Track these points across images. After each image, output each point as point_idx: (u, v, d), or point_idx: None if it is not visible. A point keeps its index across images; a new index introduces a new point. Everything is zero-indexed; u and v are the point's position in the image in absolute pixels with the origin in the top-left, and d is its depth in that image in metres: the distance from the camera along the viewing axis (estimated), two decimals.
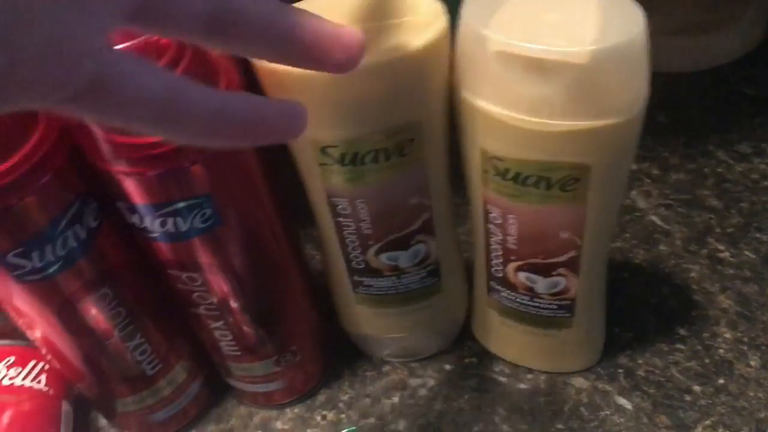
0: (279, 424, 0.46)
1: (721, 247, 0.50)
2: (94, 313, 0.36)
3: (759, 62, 0.61)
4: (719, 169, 0.55)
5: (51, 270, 0.33)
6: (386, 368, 0.48)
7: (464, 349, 0.48)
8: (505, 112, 0.31)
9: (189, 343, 0.43)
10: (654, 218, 0.53)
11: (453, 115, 0.35)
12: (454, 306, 0.45)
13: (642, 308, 0.48)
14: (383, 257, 0.39)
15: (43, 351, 0.39)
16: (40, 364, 0.44)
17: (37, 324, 0.36)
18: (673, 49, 0.58)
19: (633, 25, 0.29)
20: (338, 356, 0.48)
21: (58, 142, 0.31)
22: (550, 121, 0.31)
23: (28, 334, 0.38)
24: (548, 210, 0.35)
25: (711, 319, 0.47)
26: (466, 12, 0.31)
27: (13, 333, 0.47)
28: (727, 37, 0.60)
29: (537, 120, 0.31)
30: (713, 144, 0.57)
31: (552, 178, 0.33)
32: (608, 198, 0.34)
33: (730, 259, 0.50)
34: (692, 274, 0.49)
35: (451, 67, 0.33)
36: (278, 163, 0.36)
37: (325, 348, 0.46)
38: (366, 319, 0.44)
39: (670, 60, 0.58)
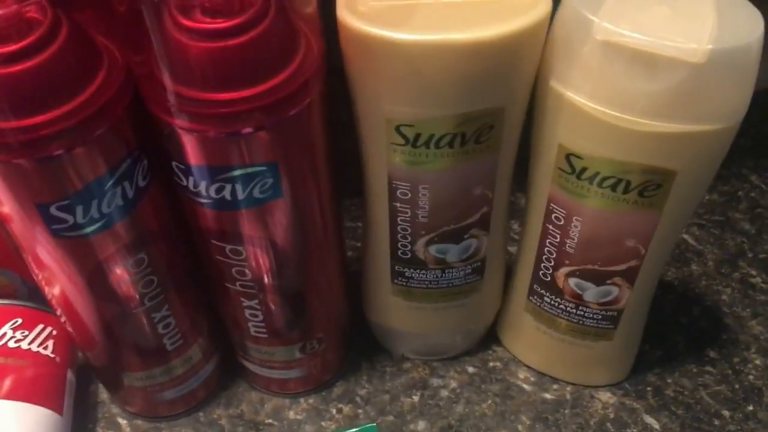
0: (292, 414, 0.44)
1: (753, 273, 0.50)
2: (126, 278, 0.34)
3: None
4: (752, 194, 0.54)
5: (92, 228, 0.31)
6: (407, 365, 0.46)
7: (489, 352, 0.47)
8: (596, 106, 0.30)
9: (208, 321, 0.41)
10: (687, 237, 0.52)
11: (531, 103, 0.33)
12: (488, 307, 0.43)
13: (672, 327, 0.47)
14: (432, 249, 0.37)
15: (58, 311, 0.37)
16: (48, 329, 0.41)
17: (59, 282, 0.34)
18: None
19: (752, 28, 0.27)
20: (357, 348, 0.46)
21: (121, 90, 0.29)
22: (646, 121, 0.29)
23: (45, 290, 0.35)
24: (619, 215, 0.33)
25: (741, 344, 0.46)
26: None
27: (18, 293, 0.44)
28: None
29: (631, 118, 0.29)
30: (747, 167, 0.56)
31: (632, 182, 0.31)
32: (685, 207, 0.33)
33: (762, 285, 0.49)
34: (723, 297, 0.48)
35: (544, 50, 0.31)
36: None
37: (347, 338, 0.44)
38: (397, 312, 0.42)
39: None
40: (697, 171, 0.31)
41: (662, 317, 0.47)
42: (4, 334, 0.40)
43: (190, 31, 0.27)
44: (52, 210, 0.29)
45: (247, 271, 0.35)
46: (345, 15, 0.29)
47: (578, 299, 0.38)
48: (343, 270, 0.40)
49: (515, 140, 0.34)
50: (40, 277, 0.34)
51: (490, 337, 0.47)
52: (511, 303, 0.43)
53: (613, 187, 0.32)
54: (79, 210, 0.30)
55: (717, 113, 0.29)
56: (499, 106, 0.31)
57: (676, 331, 0.47)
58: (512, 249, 0.46)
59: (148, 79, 0.29)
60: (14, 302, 0.42)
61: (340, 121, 0.33)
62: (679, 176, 0.31)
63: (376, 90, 0.31)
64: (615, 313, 0.39)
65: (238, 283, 0.36)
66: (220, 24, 0.27)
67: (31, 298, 0.42)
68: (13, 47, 0.26)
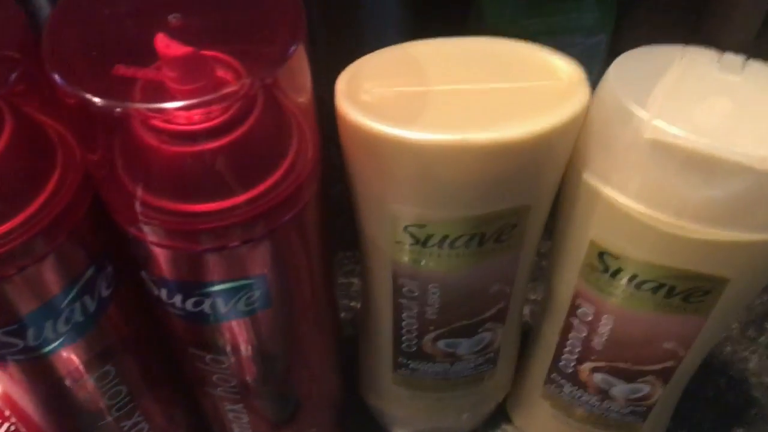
0: None
1: None
2: (91, 392, 0.29)
3: None
4: None
5: (47, 348, 0.26)
6: None
7: (496, 431, 0.42)
8: (639, 207, 0.25)
9: (188, 414, 0.36)
10: None
11: (558, 194, 0.29)
12: (499, 390, 0.39)
13: (697, 402, 0.43)
14: (441, 343, 0.33)
15: (7, 413, 0.32)
16: (5, 426, 0.36)
17: (11, 398, 0.29)
18: None
19: None
20: (354, 430, 0.42)
21: (78, 196, 0.24)
22: (698, 227, 0.25)
23: None
24: (659, 318, 0.29)
25: None
26: (612, 83, 0.25)
27: None
28: None
29: (680, 223, 0.25)
30: None
31: (677, 287, 0.27)
32: (732, 313, 0.29)
33: None
34: (750, 365, 0.45)
35: (576, 140, 0.26)
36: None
37: (342, 419, 0.40)
38: (398, 400, 0.38)
39: None
40: (750, 278, 0.27)
41: (686, 392, 0.43)
42: None
43: (162, 133, 0.22)
44: None
45: (230, 378, 0.31)
46: (346, 106, 0.24)
47: (603, 394, 0.34)
48: (339, 362, 0.36)
49: (539, 235, 0.29)
50: None
51: (500, 414, 0.43)
52: (525, 386, 0.39)
53: (654, 291, 0.28)
54: (31, 333, 0.25)
55: None
56: (525, 204, 0.26)
57: (702, 406, 0.43)
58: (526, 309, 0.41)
59: (109, 183, 0.24)
60: None
61: (330, 163, 0.28)
62: (730, 284, 0.27)
63: (381, 188, 0.26)
64: (644, 408, 0.35)
65: (219, 389, 0.32)
66: (198, 125, 0.22)
67: None
68: None
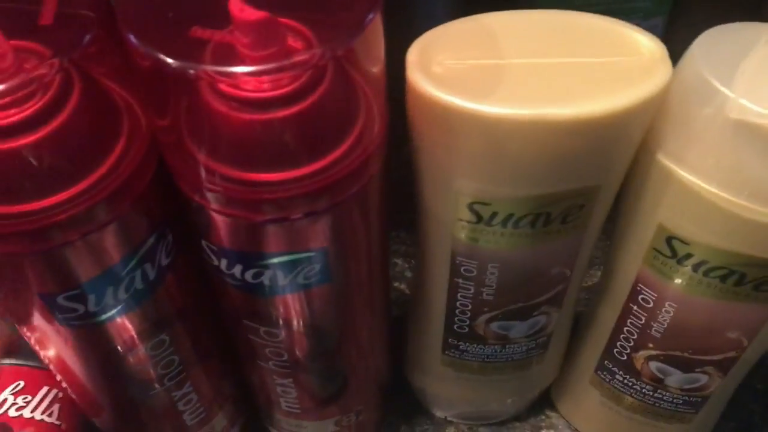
0: None
1: None
2: (144, 361, 0.29)
3: None
4: None
5: (106, 315, 0.26)
6: (450, 429, 0.41)
7: (542, 417, 0.42)
8: (716, 191, 0.25)
9: (234, 386, 0.36)
10: None
11: (627, 176, 0.28)
12: (547, 376, 0.39)
13: (747, 395, 0.42)
14: (494, 325, 0.32)
15: (58, 377, 0.32)
16: (53, 392, 0.37)
17: (66, 364, 0.29)
18: None
19: None
20: (395, 411, 0.42)
21: (143, 163, 0.24)
22: None
23: (51, 367, 0.31)
24: (724, 307, 0.28)
25: None
26: (696, 59, 0.24)
27: (19, 347, 0.40)
28: None
29: (756, 207, 0.24)
30: None
31: (748, 275, 0.26)
32: None
33: None
34: None
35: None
36: None
37: (385, 401, 0.40)
38: (445, 381, 0.37)
39: None
40: None
41: (753, 392, 0.42)
42: (5, 401, 0.35)
43: (231, 99, 0.22)
44: (60, 300, 0.25)
45: (282, 351, 0.30)
46: (417, 77, 0.24)
47: (658, 383, 0.34)
48: (389, 342, 0.36)
49: (604, 216, 0.28)
50: (42, 355, 0.29)
51: (544, 400, 0.42)
52: (573, 373, 0.38)
53: (723, 279, 0.27)
54: (91, 299, 0.25)
55: None
56: (595, 185, 0.26)
57: (751, 399, 0.42)
58: None
59: (176, 150, 0.24)
60: (14, 362, 0.37)
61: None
62: None
63: (448, 163, 0.25)
64: (699, 399, 0.34)
65: (271, 363, 0.31)
66: (267, 92, 0.22)
67: (33, 354, 0.37)
68: (12, 118, 0.21)
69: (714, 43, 0.24)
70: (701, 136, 0.24)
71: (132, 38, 0.20)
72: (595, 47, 0.24)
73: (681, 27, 0.56)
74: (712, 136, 0.24)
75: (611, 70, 0.24)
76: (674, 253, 0.27)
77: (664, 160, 0.26)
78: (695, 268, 0.27)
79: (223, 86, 0.22)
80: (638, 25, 0.53)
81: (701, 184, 0.25)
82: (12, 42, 0.21)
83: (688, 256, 0.27)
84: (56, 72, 0.21)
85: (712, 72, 0.23)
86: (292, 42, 0.22)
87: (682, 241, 0.27)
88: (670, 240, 0.27)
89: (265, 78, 0.22)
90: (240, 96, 0.22)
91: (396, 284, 0.47)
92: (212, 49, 0.21)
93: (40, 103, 0.21)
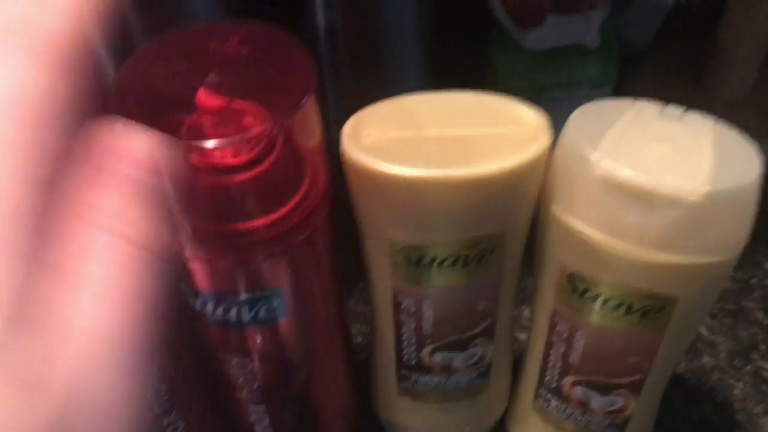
0: None
1: (766, 366, 0.49)
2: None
3: None
4: (766, 282, 0.54)
5: None
6: None
7: None
8: (597, 234, 0.30)
9: (218, 415, 0.41)
10: (700, 327, 0.51)
11: (534, 224, 0.33)
12: (496, 404, 0.43)
13: (683, 423, 0.46)
14: (437, 356, 0.38)
15: None
16: None
17: None
18: None
19: (750, 167, 0.28)
20: None
21: None
22: (646, 251, 0.29)
23: None
24: (622, 333, 0.33)
25: None
26: (572, 129, 0.30)
27: None
28: None
29: (631, 248, 0.30)
30: (761, 255, 0.56)
31: (634, 305, 0.32)
32: (687, 329, 0.33)
33: None
34: (735, 392, 0.48)
35: (545, 178, 0.31)
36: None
37: (353, 430, 0.45)
38: (404, 411, 0.42)
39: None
40: (698, 297, 0.31)
41: (673, 412, 0.47)
42: None
43: (199, 168, 0.28)
44: None
45: (253, 380, 0.36)
46: (350, 148, 0.30)
47: (584, 406, 0.38)
48: (350, 369, 0.41)
49: (518, 259, 0.34)
50: None
51: (500, 427, 0.46)
52: (519, 401, 0.43)
53: (615, 308, 0.32)
54: None
55: (716, 247, 0.29)
56: (501, 231, 0.31)
57: (687, 427, 0.46)
58: (522, 335, 0.46)
59: None
60: None
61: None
62: (680, 302, 0.31)
63: (380, 217, 0.31)
64: (621, 421, 0.38)
65: (244, 391, 0.37)
66: (227, 161, 0.28)
67: None
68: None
69: (587, 116, 0.30)
70: (581, 191, 0.30)
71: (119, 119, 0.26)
72: (491, 120, 0.30)
73: (630, 95, 0.63)
74: (589, 191, 0.29)
75: (503, 138, 0.30)
76: (575, 288, 0.33)
77: (558, 212, 0.31)
78: (593, 300, 0.33)
79: (194, 158, 0.28)
80: (588, 94, 0.59)
81: (586, 229, 0.30)
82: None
83: (586, 290, 0.33)
84: None
85: (583, 139, 0.29)
86: (248, 120, 0.28)
87: (581, 278, 0.32)
88: (571, 277, 0.33)
89: (228, 150, 0.28)
90: (206, 164, 0.28)
91: (367, 328, 0.52)
92: (186, 129, 0.27)
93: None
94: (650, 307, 0.31)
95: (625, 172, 0.28)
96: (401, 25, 0.47)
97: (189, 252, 0.29)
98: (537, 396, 0.41)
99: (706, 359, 0.50)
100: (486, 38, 0.58)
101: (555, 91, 0.57)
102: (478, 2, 0.57)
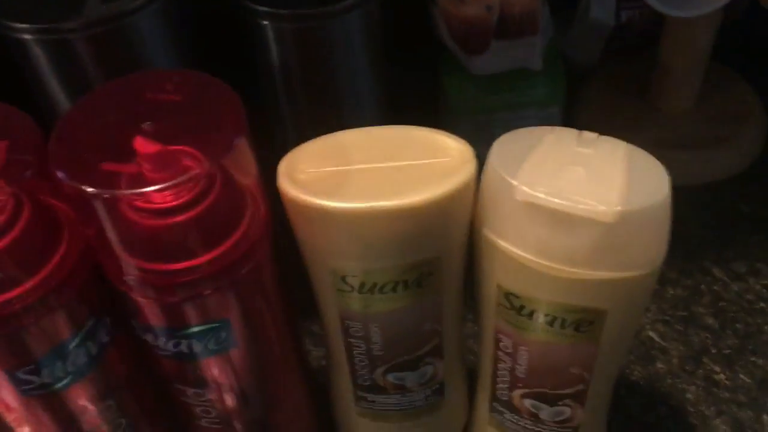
0: None
1: (717, 369, 0.51)
2: (96, 423, 0.36)
3: (756, 180, 0.63)
4: (715, 287, 0.56)
5: (59, 385, 0.33)
6: None
7: None
8: (525, 255, 0.32)
9: None
10: (652, 334, 0.53)
11: (471, 247, 0.35)
12: (454, 420, 0.45)
13: (638, 428, 0.48)
14: (390, 377, 0.39)
15: None
16: None
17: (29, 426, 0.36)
18: (673, 162, 0.59)
19: (659, 187, 0.29)
20: None
21: (81, 262, 0.31)
22: (569, 269, 0.31)
23: (17, 430, 0.37)
24: (560, 346, 0.35)
25: None
26: (494, 158, 0.31)
27: None
28: (725, 153, 0.61)
29: (557, 266, 0.31)
30: (709, 260, 0.57)
31: (567, 320, 0.33)
32: (620, 339, 0.35)
33: (726, 382, 0.50)
34: (688, 395, 0.50)
35: (475, 203, 0.33)
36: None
37: None
38: (365, 431, 0.44)
39: (669, 173, 0.59)
40: (625, 309, 0.33)
41: (629, 418, 0.48)
42: None
43: (141, 210, 0.29)
44: (20, 374, 0.31)
45: (211, 409, 0.37)
46: (285, 184, 0.31)
47: (535, 418, 0.40)
48: (310, 397, 0.42)
49: (458, 280, 0.36)
50: (9, 419, 0.36)
51: None
52: (476, 415, 0.45)
53: (551, 323, 0.34)
54: (45, 372, 0.32)
55: (635, 262, 0.31)
56: (436, 256, 0.33)
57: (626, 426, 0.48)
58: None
59: (103, 250, 0.31)
60: None
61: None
62: (609, 314, 0.33)
63: (319, 247, 0.33)
64: (572, 430, 0.40)
65: (204, 420, 0.38)
66: (169, 202, 0.29)
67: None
68: None
69: (509, 143, 0.32)
70: (506, 215, 0.31)
71: (60, 174, 0.28)
72: (418, 152, 0.32)
73: (579, 114, 0.65)
74: (513, 215, 0.31)
75: (430, 169, 0.31)
76: (512, 305, 0.34)
77: (488, 234, 0.33)
78: (530, 316, 0.34)
79: (135, 202, 0.29)
80: (537, 114, 0.61)
81: (515, 251, 0.32)
82: None
83: (522, 307, 0.34)
84: (8, 197, 0.29)
85: (504, 166, 0.31)
86: (186, 162, 0.30)
87: (516, 296, 0.34)
88: (507, 295, 0.34)
89: (168, 192, 0.29)
90: (149, 207, 0.29)
91: None
92: (126, 175, 0.29)
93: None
94: (582, 321, 0.33)
95: (542, 196, 0.29)
96: (353, 57, 0.48)
97: (136, 291, 0.31)
98: (492, 409, 0.42)
99: (659, 365, 0.52)
100: (437, 65, 0.60)
101: (504, 113, 0.59)
102: (428, 31, 0.59)
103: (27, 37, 0.40)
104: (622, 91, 0.65)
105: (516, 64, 0.56)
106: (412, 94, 0.60)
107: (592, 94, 0.66)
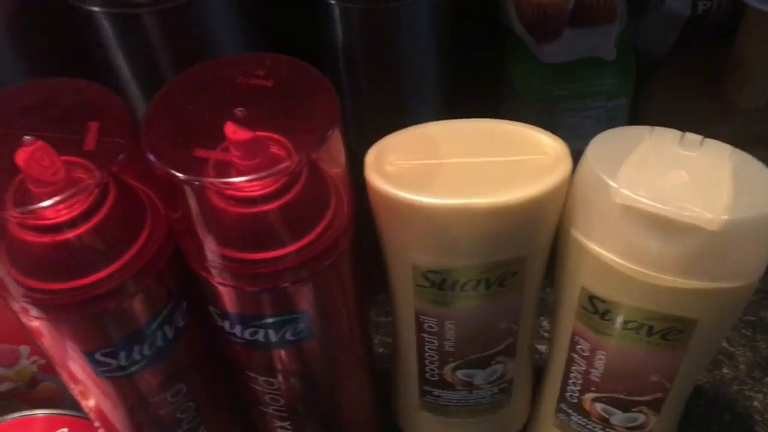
0: None
1: None
2: (165, 407, 0.35)
3: None
4: None
5: (134, 368, 0.32)
6: None
7: None
8: (617, 259, 0.31)
9: (243, 430, 0.42)
10: None
11: (555, 247, 0.34)
12: (517, 418, 0.44)
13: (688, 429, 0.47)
14: (459, 373, 0.38)
15: (97, 424, 0.38)
16: None
17: (101, 408, 0.36)
18: None
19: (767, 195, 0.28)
20: None
21: (163, 246, 0.30)
22: (664, 276, 0.30)
23: (82, 403, 0.37)
24: (643, 353, 0.34)
25: None
26: (591, 157, 0.30)
27: (62, 399, 0.46)
28: None
29: (650, 272, 0.30)
30: None
31: (654, 327, 0.32)
32: (707, 349, 0.34)
33: None
34: (755, 404, 0.48)
35: (565, 203, 0.32)
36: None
37: None
38: (426, 424, 0.43)
39: None
40: (717, 320, 0.32)
41: (692, 424, 0.47)
42: None
43: (228, 198, 0.29)
44: (98, 356, 0.31)
45: (279, 398, 0.36)
46: (373, 176, 0.30)
47: (605, 422, 0.39)
48: (373, 383, 0.42)
49: (538, 281, 0.35)
50: (84, 405, 0.36)
51: None
52: (539, 415, 0.44)
53: (636, 330, 0.33)
54: (122, 355, 0.32)
55: (734, 274, 0.29)
56: (522, 255, 0.32)
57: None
58: (543, 347, 0.46)
59: (187, 236, 0.30)
60: (59, 412, 0.43)
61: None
62: (699, 324, 0.31)
63: (403, 241, 0.32)
64: None
65: (271, 408, 0.37)
66: (256, 191, 0.29)
67: (76, 405, 0.44)
68: (67, 215, 0.28)
69: (607, 143, 0.31)
70: (600, 217, 0.30)
71: (151, 158, 0.27)
72: (511, 148, 0.31)
73: (646, 106, 0.63)
74: (607, 218, 0.30)
75: (523, 166, 0.30)
76: (596, 309, 0.33)
77: (578, 236, 0.32)
78: (614, 321, 0.33)
79: (223, 189, 0.29)
80: (604, 105, 0.59)
81: (605, 254, 0.31)
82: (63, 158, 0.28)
83: (607, 312, 0.33)
84: (99, 181, 0.28)
85: (602, 167, 0.30)
86: (275, 151, 0.29)
87: (601, 300, 0.33)
88: (591, 299, 0.33)
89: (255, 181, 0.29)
90: (236, 195, 0.29)
91: (391, 339, 0.53)
92: (215, 161, 0.28)
93: (85, 204, 0.28)
94: (670, 329, 0.32)
95: (644, 200, 0.28)
96: (420, 41, 0.47)
97: (218, 278, 0.30)
98: (558, 410, 0.41)
99: (725, 371, 0.50)
100: (502, 51, 0.59)
101: (571, 102, 0.58)
102: (494, 15, 0.58)
103: (96, 9, 0.39)
104: (692, 85, 0.63)
105: (588, 53, 0.54)
106: (473, 79, 0.58)
107: (661, 87, 0.64)
